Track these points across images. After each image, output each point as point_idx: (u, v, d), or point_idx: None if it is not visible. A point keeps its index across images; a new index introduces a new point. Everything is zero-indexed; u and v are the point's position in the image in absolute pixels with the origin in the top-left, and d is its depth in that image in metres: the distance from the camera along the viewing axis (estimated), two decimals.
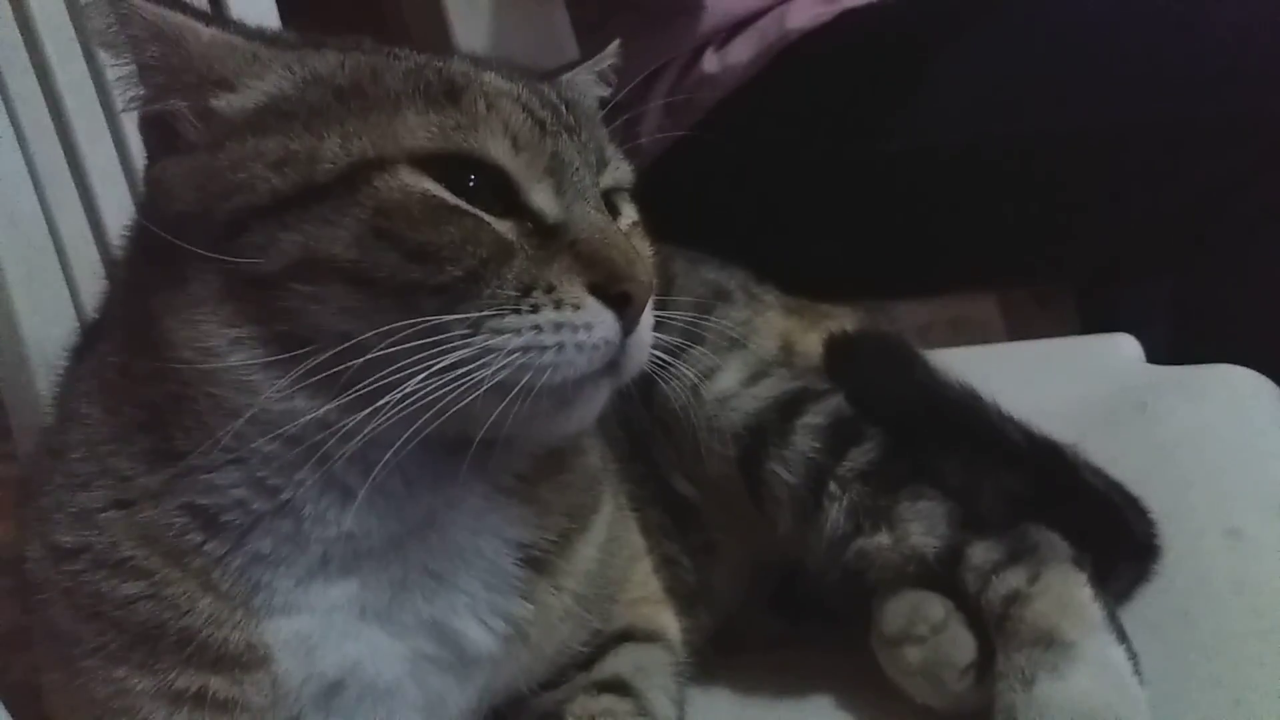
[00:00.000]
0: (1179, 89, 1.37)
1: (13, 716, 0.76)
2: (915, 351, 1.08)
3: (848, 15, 1.49)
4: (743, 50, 1.48)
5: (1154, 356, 1.32)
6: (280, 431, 0.70)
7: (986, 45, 1.45)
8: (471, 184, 0.70)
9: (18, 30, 1.06)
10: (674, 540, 1.03)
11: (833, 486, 0.95)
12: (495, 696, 0.83)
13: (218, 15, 0.76)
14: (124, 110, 0.74)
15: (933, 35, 1.46)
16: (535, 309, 0.68)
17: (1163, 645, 0.85)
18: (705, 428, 0.99)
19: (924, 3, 1.51)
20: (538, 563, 0.81)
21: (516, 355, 0.67)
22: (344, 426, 0.68)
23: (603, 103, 0.89)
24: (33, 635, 0.78)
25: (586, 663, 0.88)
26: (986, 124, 1.43)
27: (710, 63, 1.49)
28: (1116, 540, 0.94)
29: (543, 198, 0.72)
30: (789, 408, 0.99)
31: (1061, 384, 1.23)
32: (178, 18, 0.72)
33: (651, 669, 0.88)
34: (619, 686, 0.85)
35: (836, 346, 1.07)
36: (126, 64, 0.72)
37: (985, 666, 0.85)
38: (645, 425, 1.01)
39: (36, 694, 0.79)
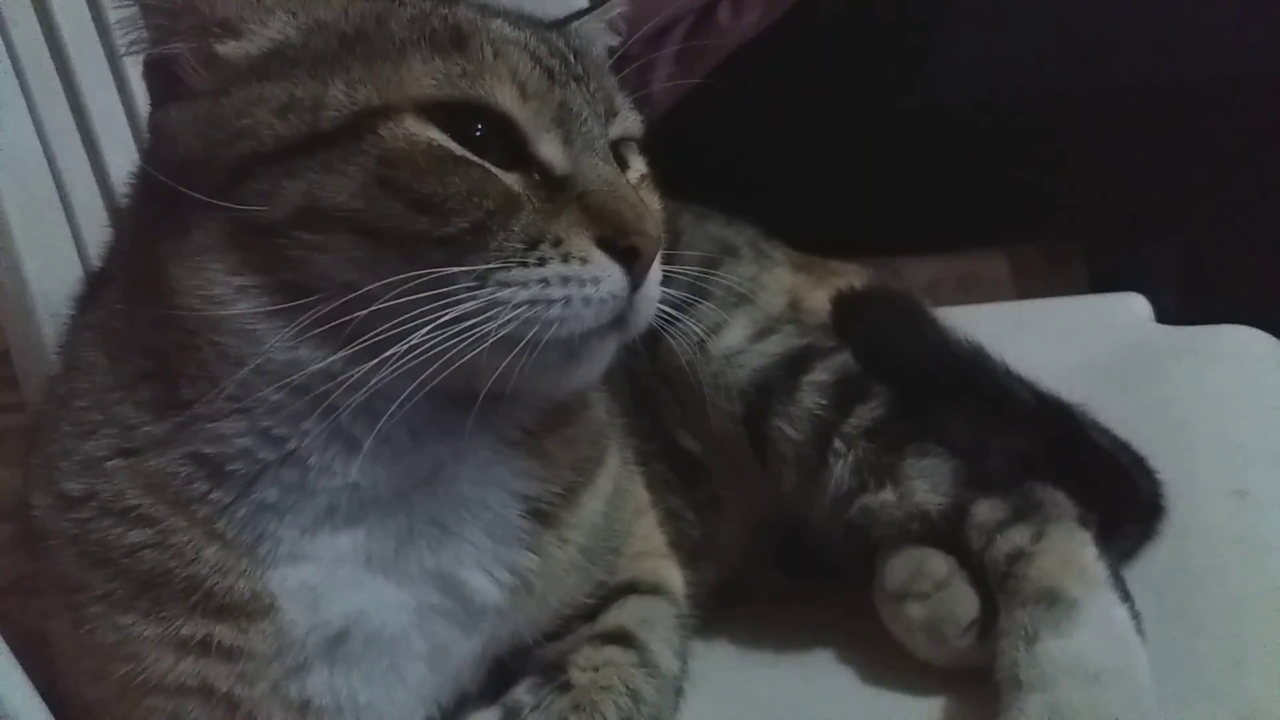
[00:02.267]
0: (1192, 52, 1.36)
1: (20, 663, 0.77)
2: (923, 309, 1.07)
3: None
4: (757, 2, 1.46)
5: (1163, 316, 1.32)
6: (286, 381, 0.70)
7: (1003, 2, 1.43)
8: (478, 133, 0.69)
9: None
10: (678, 495, 1.03)
11: (838, 443, 0.95)
12: (500, 647, 0.84)
13: None
14: (125, 54, 0.73)
15: None
16: (542, 262, 0.68)
17: (1167, 605, 0.85)
18: (711, 383, 0.99)
19: None
20: (543, 515, 0.81)
21: (523, 308, 0.67)
22: (350, 377, 0.68)
23: (611, 52, 0.88)
24: (39, 583, 0.79)
25: (591, 614, 0.88)
26: (1000, 81, 1.42)
27: (725, 14, 1.48)
28: (1122, 499, 0.94)
29: (550, 148, 0.71)
30: (795, 364, 0.99)
31: (1070, 343, 1.23)
32: None
33: (655, 621, 0.88)
34: (623, 638, 0.86)
35: (844, 303, 1.06)
36: (129, 5, 0.71)
37: (988, 624, 0.85)
38: (651, 380, 1.01)
39: (44, 642, 0.79)
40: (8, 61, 1.03)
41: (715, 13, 1.49)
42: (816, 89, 1.45)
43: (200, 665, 0.73)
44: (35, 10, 1.05)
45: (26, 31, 1.04)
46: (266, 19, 0.72)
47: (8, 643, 0.75)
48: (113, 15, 0.72)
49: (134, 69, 1.05)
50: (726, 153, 1.44)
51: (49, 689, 0.76)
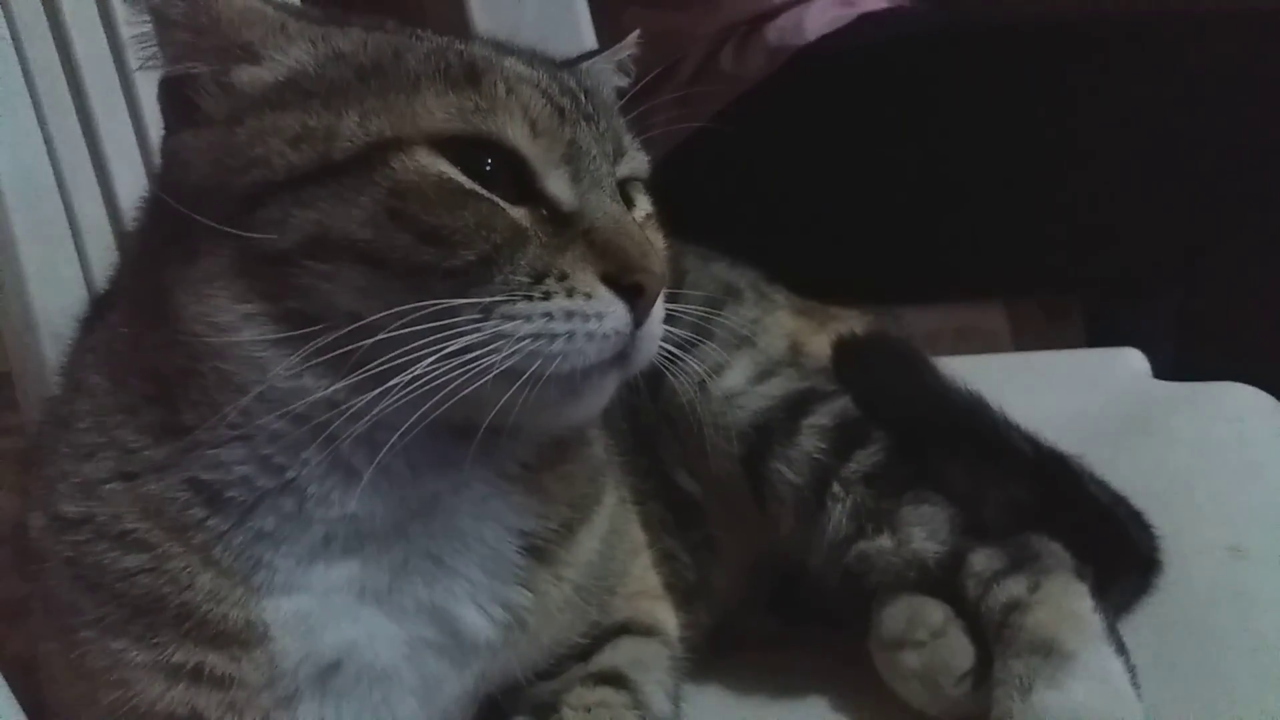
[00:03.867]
0: (1185, 109, 1.38)
1: (10, 688, 0.76)
2: (923, 356, 1.07)
3: (865, 19, 1.49)
4: (760, 48, 1.48)
5: (1160, 372, 1.32)
6: (288, 409, 0.70)
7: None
8: (488, 168, 0.70)
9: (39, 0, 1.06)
10: (675, 536, 1.03)
11: (836, 488, 0.95)
12: (492, 684, 0.83)
13: None
14: (139, 69, 0.73)
15: (948, 44, 1.46)
16: (547, 296, 0.68)
17: (1162, 659, 0.85)
18: (711, 424, 0.99)
19: (941, 11, 1.51)
20: (539, 552, 0.81)
21: (527, 342, 0.67)
22: (352, 407, 0.68)
23: (620, 93, 0.89)
24: (31, 605, 0.78)
25: (584, 654, 0.87)
26: (1000, 131, 1.43)
27: (727, 59, 1.49)
28: (1119, 553, 0.94)
29: (559, 185, 0.72)
30: (796, 408, 0.99)
31: (1068, 396, 1.23)
32: None
33: (648, 663, 0.88)
34: (615, 679, 0.85)
35: (845, 348, 1.07)
36: (146, 21, 0.71)
37: (983, 674, 0.85)
38: (651, 419, 1.01)
39: (34, 665, 0.78)
40: (21, 81, 1.04)
41: (718, 58, 1.50)
42: (816, 136, 1.47)
43: (191, 693, 0.72)
44: (51, 34, 1.06)
45: (41, 51, 1.05)
46: (288, 47, 0.72)
47: None
48: (131, 30, 0.72)
49: (147, 93, 1.07)
50: (728, 196, 1.45)
51: (37, 713, 0.76)
